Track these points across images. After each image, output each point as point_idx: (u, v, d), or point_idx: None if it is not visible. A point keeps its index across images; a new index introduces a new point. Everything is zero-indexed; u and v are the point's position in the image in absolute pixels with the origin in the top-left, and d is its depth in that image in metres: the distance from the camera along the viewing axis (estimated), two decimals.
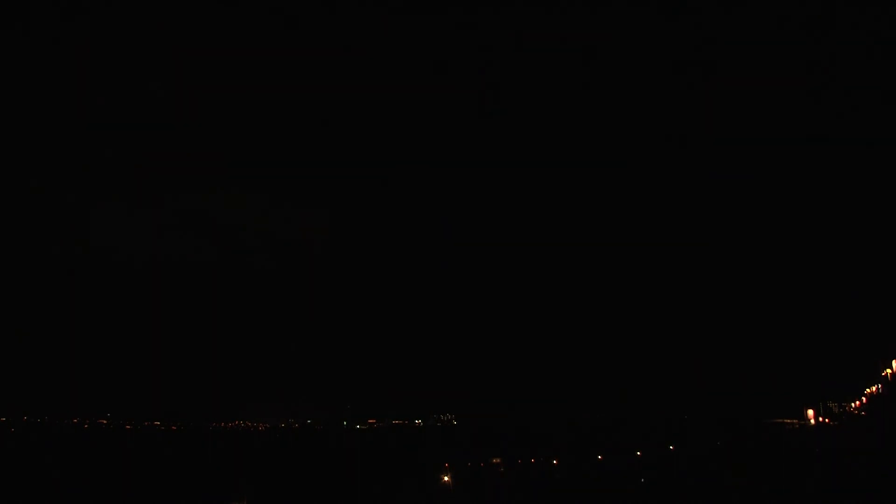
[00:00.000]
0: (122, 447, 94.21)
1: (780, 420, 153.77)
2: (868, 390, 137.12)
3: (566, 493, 78.63)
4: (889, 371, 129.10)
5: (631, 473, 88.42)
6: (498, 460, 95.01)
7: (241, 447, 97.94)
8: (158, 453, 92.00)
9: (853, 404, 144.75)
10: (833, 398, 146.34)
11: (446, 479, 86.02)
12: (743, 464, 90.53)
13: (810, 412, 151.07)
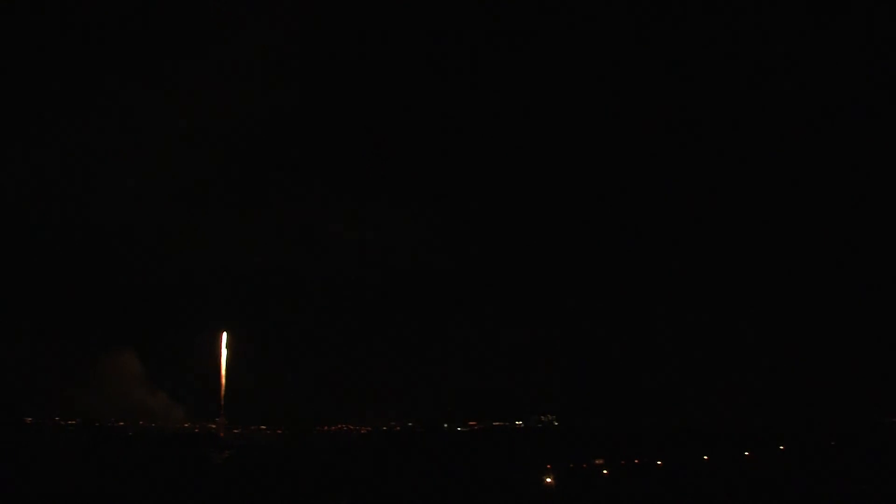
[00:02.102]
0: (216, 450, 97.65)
1: None
2: None
3: (672, 495, 77.11)
4: None
5: (739, 476, 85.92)
6: (601, 461, 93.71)
7: (344, 449, 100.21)
8: (266, 456, 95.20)
9: None
10: None
11: (549, 480, 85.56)
12: (857, 466, 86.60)
13: None
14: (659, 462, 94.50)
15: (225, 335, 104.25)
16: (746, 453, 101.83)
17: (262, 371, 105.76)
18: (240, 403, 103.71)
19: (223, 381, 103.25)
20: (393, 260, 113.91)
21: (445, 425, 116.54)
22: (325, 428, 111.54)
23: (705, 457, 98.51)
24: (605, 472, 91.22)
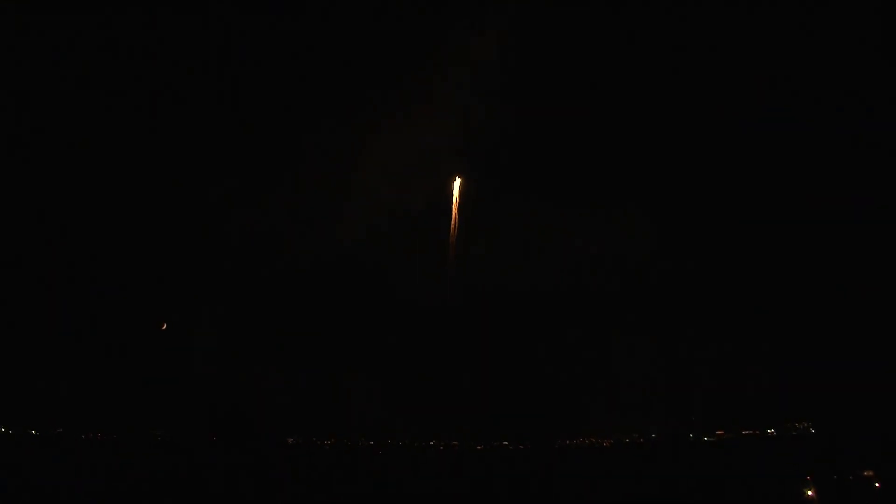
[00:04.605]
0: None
1: None
2: None
3: None
4: None
5: None
6: (870, 473, 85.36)
7: (586, 463, 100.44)
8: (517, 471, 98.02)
9: None
10: None
11: (810, 493, 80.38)
12: None
13: None
14: None
15: (458, 179, 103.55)
16: None
17: (495, 390, 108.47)
18: (477, 420, 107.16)
19: (454, 229, 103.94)
20: (627, 267, 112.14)
21: (691, 435, 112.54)
22: (567, 442, 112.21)
23: None
24: (876, 484, 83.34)
